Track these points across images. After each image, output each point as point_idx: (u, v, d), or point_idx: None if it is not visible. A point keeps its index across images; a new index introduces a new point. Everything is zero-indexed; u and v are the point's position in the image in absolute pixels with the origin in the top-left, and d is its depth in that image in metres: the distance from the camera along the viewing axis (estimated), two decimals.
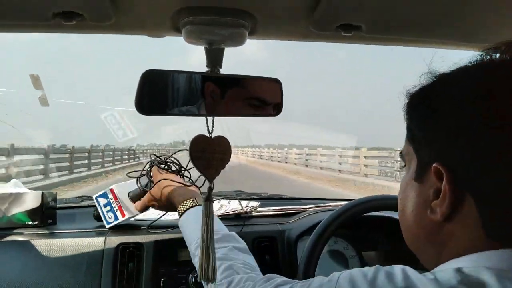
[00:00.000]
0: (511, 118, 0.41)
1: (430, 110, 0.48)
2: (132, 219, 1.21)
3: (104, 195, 1.17)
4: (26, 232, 1.14)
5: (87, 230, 1.16)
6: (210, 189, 0.82)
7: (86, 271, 1.05)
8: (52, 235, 1.14)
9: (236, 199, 1.38)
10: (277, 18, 0.73)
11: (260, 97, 0.85)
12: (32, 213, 1.20)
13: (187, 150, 0.85)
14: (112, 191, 1.16)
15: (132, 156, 21.85)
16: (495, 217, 0.42)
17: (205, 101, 0.79)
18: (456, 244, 0.45)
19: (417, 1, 0.64)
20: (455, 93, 0.46)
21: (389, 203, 1.02)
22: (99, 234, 1.13)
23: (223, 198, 1.41)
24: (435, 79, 0.49)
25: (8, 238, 1.10)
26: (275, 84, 0.85)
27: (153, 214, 1.25)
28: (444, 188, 0.44)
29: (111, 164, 17.18)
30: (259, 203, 1.34)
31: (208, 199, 0.79)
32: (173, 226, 1.16)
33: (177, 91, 0.76)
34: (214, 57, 0.77)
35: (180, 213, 0.90)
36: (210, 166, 0.82)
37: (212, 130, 0.81)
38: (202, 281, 0.72)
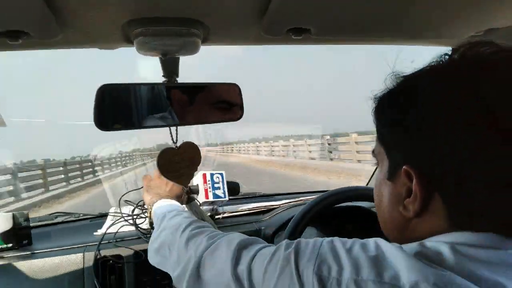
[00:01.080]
0: (470, 118, 0.43)
1: (396, 114, 0.50)
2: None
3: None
4: (5, 256, 1.13)
5: (65, 248, 1.15)
6: (188, 192, 0.85)
7: None
8: (30, 256, 1.12)
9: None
10: (228, 25, 0.74)
11: (222, 102, 0.86)
12: (5, 236, 1.18)
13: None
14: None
15: (91, 169, 15.13)
16: (457, 209, 0.46)
17: (170, 111, 0.80)
18: (424, 232, 0.49)
19: (360, 4, 0.67)
20: (418, 96, 0.48)
21: (360, 193, 1.06)
22: (77, 250, 1.12)
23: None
24: (398, 81, 0.52)
25: None
26: (234, 88, 0.87)
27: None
28: (414, 188, 0.47)
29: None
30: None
31: (189, 201, 0.82)
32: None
33: (136, 104, 0.77)
34: (170, 67, 0.78)
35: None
36: (181, 175, 0.84)
37: (177, 139, 0.83)
38: None
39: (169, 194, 1.03)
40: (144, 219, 1.24)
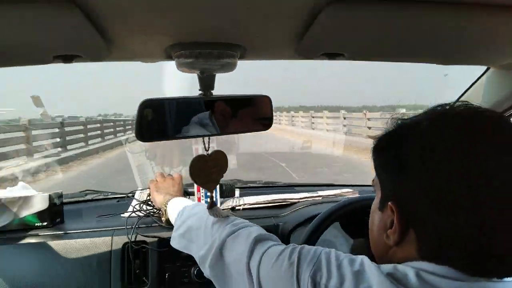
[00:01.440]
0: (446, 172, 0.50)
1: (388, 157, 0.59)
2: None
3: None
4: (40, 234, 1.23)
5: (95, 230, 1.23)
6: (212, 197, 0.91)
7: (96, 269, 1.14)
8: (63, 236, 1.22)
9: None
10: (264, 47, 0.77)
11: (254, 113, 0.90)
12: (41, 215, 1.27)
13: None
14: None
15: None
16: (426, 244, 0.54)
17: (213, 122, 0.84)
18: (400, 258, 0.57)
19: (399, 31, 0.68)
20: (406, 145, 0.56)
21: None
22: (106, 234, 1.21)
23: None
24: (395, 126, 0.60)
25: (23, 241, 1.18)
26: (265, 100, 0.90)
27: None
28: (395, 222, 0.56)
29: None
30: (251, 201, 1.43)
31: (211, 207, 0.89)
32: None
33: (174, 116, 0.81)
34: (207, 82, 0.81)
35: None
36: (209, 180, 0.89)
37: (208, 147, 0.87)
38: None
39: (178, 193, 1.17)
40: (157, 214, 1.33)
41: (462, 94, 1.11)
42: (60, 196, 1.37)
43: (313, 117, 18.17)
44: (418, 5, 0.57)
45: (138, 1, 0.52)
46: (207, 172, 0.88)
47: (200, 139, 0.88)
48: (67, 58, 0.69)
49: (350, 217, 1.29)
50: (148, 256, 1.18)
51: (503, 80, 0.96)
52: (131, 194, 1.53)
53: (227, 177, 1.74)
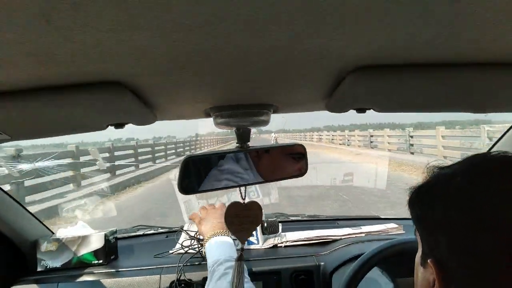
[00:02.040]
0: (484, 222, 0.48)
1: (423, 210, 0.56)
2: None
3: None
4: (95, 272, 1.32)
5: (145, 268, 1.31)
6: (242, 249, 0.93)
7: None
8: (116, 274, 1.30)
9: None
10: (295, 104, 0.81)
11: (290, 161, 0.94)
12: (97, 253, 1.37)
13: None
14: None
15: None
16: None
17: (244, 173, 0.89)
18: None
19: (423, 90, 0.69)
20: (441, 197, 0.53)
21: None
22: (155, 272, 1.28)
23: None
24: (429, 177, 0.57)
25: (80, 279, 1.28)
26: (300, 148, 0.93)
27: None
28: (436, 282, 0.53)
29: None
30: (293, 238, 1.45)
31: (240, 259, 0.91)
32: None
33: (215, 169, 0.86)
34: (243, 136, 0.86)
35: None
36: (242, 229, 0.93)
37: (245, 196, 0.91)
38: None
39: (220, 222, 1.16)
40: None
41: (500, 138, 1.07)
42: (115, 232, 1.48)
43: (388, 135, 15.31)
44: (442, 68, 0.58)
45: (179, 80, 0.58)
46: (241, 220, 0.92)
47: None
48: (118, 125, 0.78)
49: (392, 258, 1.27)
50: None
51: None
52: (179, 229, 1.60)
53: (268, 210, 1.78)
